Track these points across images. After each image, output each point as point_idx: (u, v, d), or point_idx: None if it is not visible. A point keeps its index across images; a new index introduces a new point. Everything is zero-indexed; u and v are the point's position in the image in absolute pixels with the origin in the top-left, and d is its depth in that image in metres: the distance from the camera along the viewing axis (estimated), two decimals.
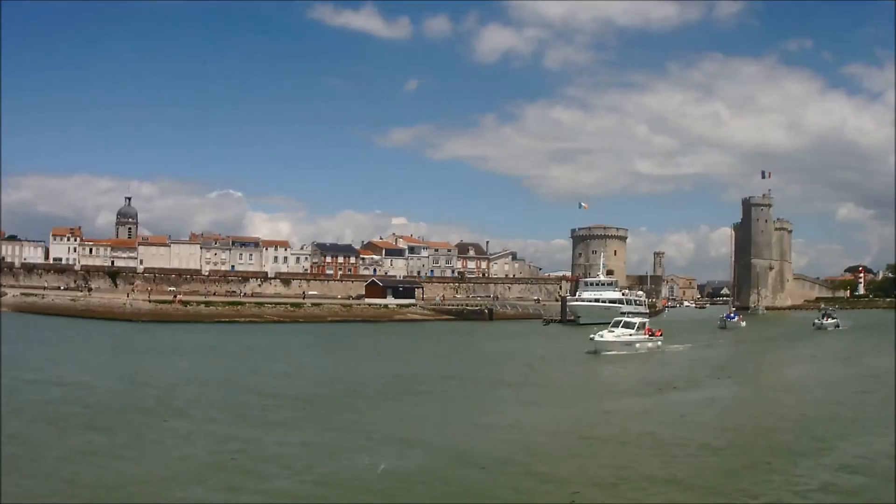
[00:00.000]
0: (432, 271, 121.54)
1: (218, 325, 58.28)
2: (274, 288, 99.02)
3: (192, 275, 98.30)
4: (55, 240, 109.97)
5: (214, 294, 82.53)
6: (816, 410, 20.40)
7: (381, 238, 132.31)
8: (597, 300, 76.93)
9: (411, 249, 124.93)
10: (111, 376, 25.80)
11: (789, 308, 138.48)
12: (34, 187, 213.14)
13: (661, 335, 40.49)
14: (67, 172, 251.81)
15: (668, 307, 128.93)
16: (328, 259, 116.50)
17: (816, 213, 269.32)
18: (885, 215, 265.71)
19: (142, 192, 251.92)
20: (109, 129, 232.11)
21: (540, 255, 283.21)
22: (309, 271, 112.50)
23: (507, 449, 14.80)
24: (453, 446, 15.05)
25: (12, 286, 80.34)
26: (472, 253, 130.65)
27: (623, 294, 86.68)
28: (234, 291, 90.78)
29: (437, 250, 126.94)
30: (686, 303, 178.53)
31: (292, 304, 73.77)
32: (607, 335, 37.47)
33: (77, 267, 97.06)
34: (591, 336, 37.76)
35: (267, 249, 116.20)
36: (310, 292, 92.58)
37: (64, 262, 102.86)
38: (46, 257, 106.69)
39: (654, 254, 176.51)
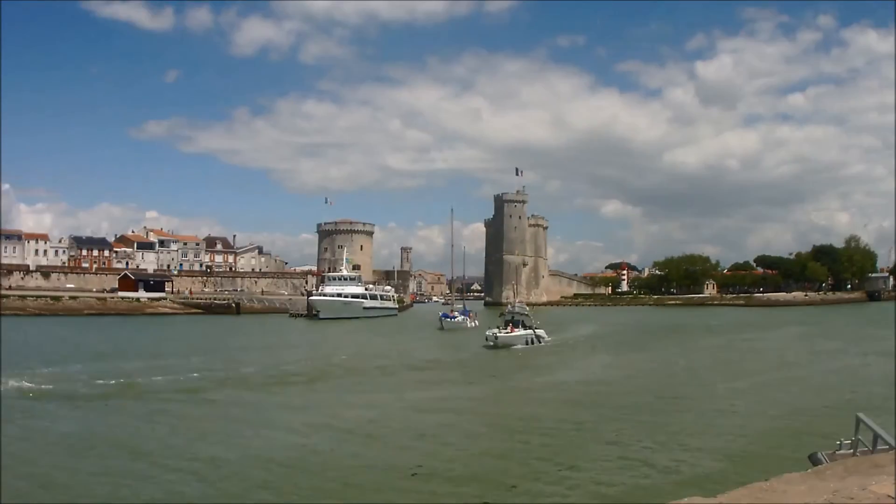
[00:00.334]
0: (181, 265, 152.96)
1: None
2: (35, 281, 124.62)
3: None
4: None
5: None
6: None
7: (133, 231, 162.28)
8: (339, 295, 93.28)
9: (161, 243, 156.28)
10: None
11: (545, 304, 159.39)
12: None
13: None
14: None
15: (415, 302, 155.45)
16: (84, 252, 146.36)
17: (579, 210, 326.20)
18: (653, 213, 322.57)
19: None
20: None
21: (289, 249, 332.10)
22: (67, 264, 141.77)
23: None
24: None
25: None
26: (219, 247, 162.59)
27: (367, 289, 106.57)
28: None
29: (185, 244, 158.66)
30: (435, 298, 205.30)
31: (52, 298, 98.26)
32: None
33: None
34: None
35: (29, 242, 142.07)
36: (67, 285, 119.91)
37: None
38: None
39: (402, 249, 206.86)
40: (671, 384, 30.85)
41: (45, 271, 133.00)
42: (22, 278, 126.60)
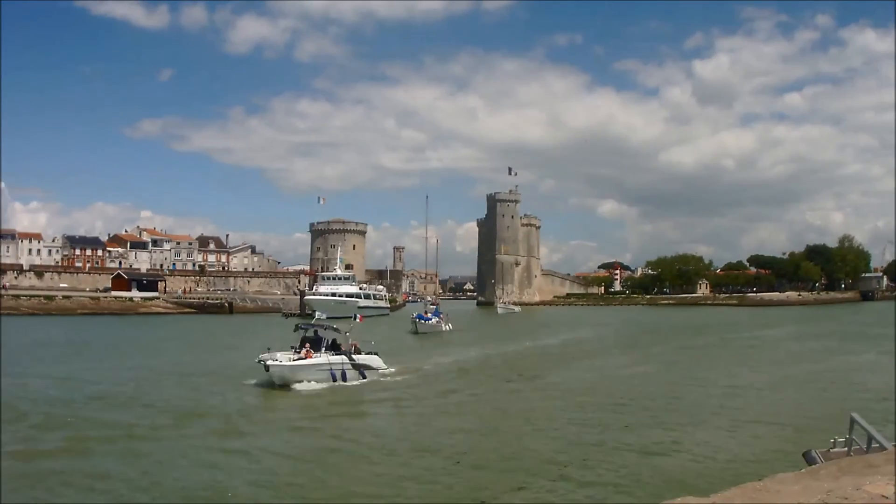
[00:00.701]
0: (174, 264, 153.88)
1: None
2: (29, 280, 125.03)
3: None
4: None
5: None
6: None
7: (126, 231, 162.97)
8: (333, 294, 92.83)
9: (154, 242, 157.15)
10: None
11: (538, 304, 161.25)
12: None
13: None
14: None
15: (408, 302, 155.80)
16: (77, 251, 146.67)
17: (574, 210, 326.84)
18: (648, 213, 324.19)
19: None
20: None
21: (282, 249, 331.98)
22: (60, 263, 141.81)
23: None
24: None
25: None
26: (212, 246, 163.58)
27: (361, 288, 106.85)
28: None
29: (178, 243, 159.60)
30: (428, 297, 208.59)
31: (45, 297, 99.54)
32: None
33: None
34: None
35: (22, 242, 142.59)
36: (60, 284, 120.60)
37: None
38: None
39: (395, 248, 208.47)
40: (666, 384, 30.69)
41: (39, 271, 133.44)
42: (16, 278, 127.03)
